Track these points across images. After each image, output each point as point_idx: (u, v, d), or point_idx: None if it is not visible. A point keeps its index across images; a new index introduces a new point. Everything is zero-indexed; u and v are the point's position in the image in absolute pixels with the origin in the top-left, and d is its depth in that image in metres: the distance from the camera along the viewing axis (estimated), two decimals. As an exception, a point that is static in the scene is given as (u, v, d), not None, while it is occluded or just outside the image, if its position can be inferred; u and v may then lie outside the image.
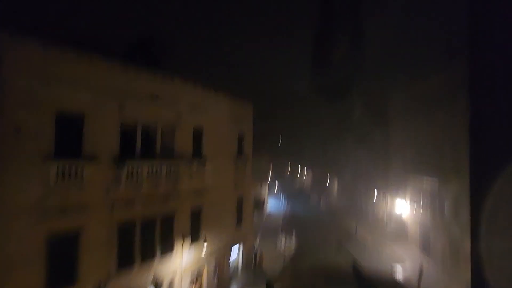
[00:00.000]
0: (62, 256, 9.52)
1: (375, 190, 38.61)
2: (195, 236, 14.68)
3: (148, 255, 12.21)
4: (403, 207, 30.58)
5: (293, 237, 29.41)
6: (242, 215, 19.42)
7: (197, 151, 15.20)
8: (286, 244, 28.74)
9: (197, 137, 15.26)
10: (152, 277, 12.18)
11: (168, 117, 13.36)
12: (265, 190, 48.31)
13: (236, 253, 19.15)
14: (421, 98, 27.74)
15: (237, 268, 19.58)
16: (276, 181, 77.52)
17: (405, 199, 30.35)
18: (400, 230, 31.66)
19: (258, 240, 27.56)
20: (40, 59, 9.02)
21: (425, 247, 26.43)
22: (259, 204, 46.40)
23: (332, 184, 63.14)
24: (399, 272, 23.21)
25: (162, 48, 16.19)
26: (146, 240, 12.14)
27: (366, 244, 29.94)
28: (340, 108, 51.45)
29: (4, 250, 8.21)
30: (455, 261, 21.65)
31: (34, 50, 8.87)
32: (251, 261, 20.96)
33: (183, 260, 13.68)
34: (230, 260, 18.33)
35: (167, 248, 13.15)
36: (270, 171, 67.50)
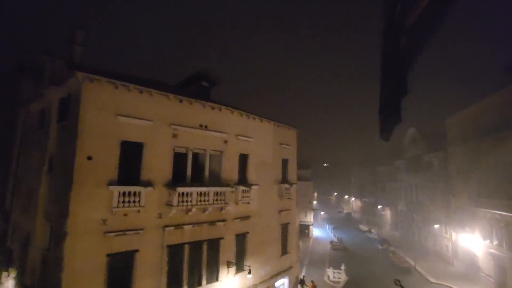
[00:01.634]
0: (119, 275, 10.11)
1: (435, 221, 34.63)
2: (240, 266, 14.52)
3: (194, 282, 12.35)
4: (472, 242, 26.80)
5: (343, 270, 27.35)
6: (287, 244, 18.80)
7: (242, 177, 15.48)
8: (335, 277, 26.78)
9: (243, 163, 15.62)
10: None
11: (216, 144, 14.01)
12: (310, 218, 46.51)
13: (281, 285, 18.32)
14: (483, 119, 25.13)
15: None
16: (322, 209, 74.38)
17: (473, 233, 26.66)
18: (469, 269, 27.54)
19: (304, 270, 26.13)
20: (109, 95, 10.34)
21: (504, 291, 22.48)
22: (305, 233, 44.57)
23: (384, 214, 58.40)
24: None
25: (213, 80, 17.38)
26: (193, 265, 12.35)
27: (429, 282, 26.46)
28: (393, 134, 48.62)
29: (71, 264, 9.03)
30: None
31: (105, 86, 10.22)
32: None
33: (228, 288, 13.52)
34: (275, 292, 17.56)
35: (213, 276, 13.18)
36: (315, 199, 65.22)
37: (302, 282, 23.52)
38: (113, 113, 10.35)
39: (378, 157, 65.58)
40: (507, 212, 21.51)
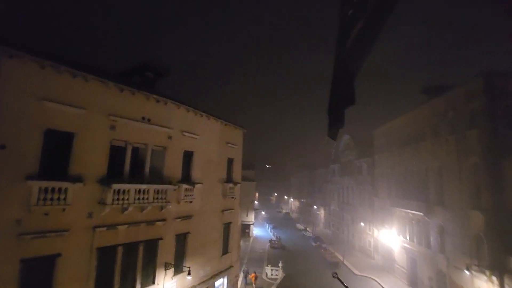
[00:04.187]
0: (36, 283, 8.75)
1: (361, 219, 38.53)
2: (179, 267, 13.94)
3: (127, 287, 11.41)
4: (389, 238, 30.50)
5: (280, 267, 28.48)
6: (228, 243, 18.75)
7: (186, 175, 14.93)
8: (273, 274, 27.80)
9: (187, 161, 15.07)
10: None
11: (159, 139, 13.23)
12: (251, 218, 47.31)
13: (220, 284, 18.17)
14: (403, 131, 28.89)
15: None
16: (263, 209, 76.33)
17: (391, 230, 30.37)
18: (387, 262, 31.29)
19: (243, 268, 26.43)
20: (34, 75, 8.92)
21: (412, 279, 26.09)
22: (245, 233, 45.14)
23: (319, 213, 62.69)
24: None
25: (158, 72, 16.38)
26: (127, 269, 11.40)
27: (354, 274, 29.25)
28: (327, 141, 52.44)
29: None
30: (443, 295, 21.40)
31: (28, 65, 8.78)
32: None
33: (165, 292, 12.84)
34: (214, 292, 17.33)
35: (149, 280, 12.37)
36: (256, 199, 66.57)
37: (246, 273, 25.39)
38: (37, 97, 8.95)
39: (317, 161, 70.21)
40: (417, 211, 25.05)
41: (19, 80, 8.61)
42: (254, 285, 24.39)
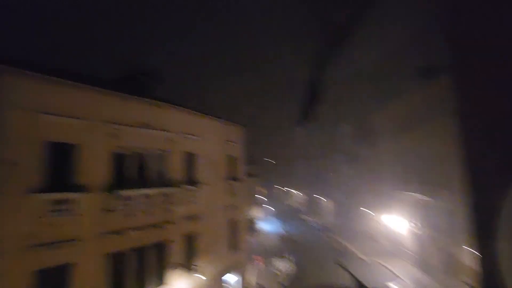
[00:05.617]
0: (51, 294, 9.02)
1: (367, 208, 38.79)
2: (189, 267, 14.19)
3: (140, 289, 11.69)
4: (397, 224, 30.73)
5: (290, 259, 28.85)
6: (236, 240, 19.01)
7: (189, 177, 15.11)
8: (283, 267, 28.16)
9: (190, 162, 15.23)
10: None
11: (161, 143, 13.38)
12: (258, 213, 47.65)
13: (231, 280, 18.50)
14: (403, 115, 28.80)
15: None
16: (269, 204, 76.79)
17: (398, 216, 30.58)
18: (394, 247, 31.58)
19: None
20: (31, 90, 9.05)
21: (420, 263, 26.35)
22: (253, 228, 45.54)
23: (325, 204, 63.04)
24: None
25: (154, 77, 16.48)
26: (138, 272, 11.65)
27: (362, 262, 29.60)
28: (328, 130, 52.70)
29: (-12, 291, 7.75)
30: (451, 275, 21.63)
31: (24, 80, 8.90)
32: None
33: (177, 292, 13.12)
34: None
35: (160, 281, 12.63)
36: (262, 194, 67.00)
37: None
38: (36, 111, 9.09)
39: (319, 152, 70.27)
40: (423, 195, 25.17)
41: (17, 95, 8.74)
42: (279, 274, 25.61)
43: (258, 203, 49.97)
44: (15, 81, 8.70)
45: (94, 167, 10.50)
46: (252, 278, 24.10)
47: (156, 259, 12.43)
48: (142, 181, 12.37)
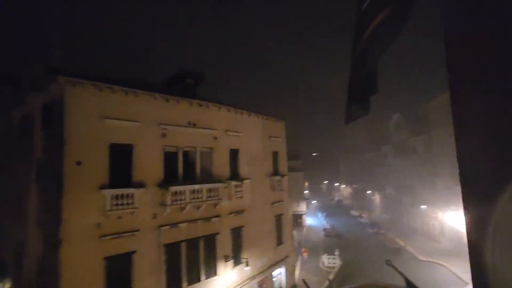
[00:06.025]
0: (118, 277, 10.16)
1: (422, 202, 35.93)
2: (237, 259, 14.77)
3: (193, 279, 12.52)
4: (457, 220, 28.02)
5: (336, 256, 28.15)
6: (281, 234, 19.19)
7: (234, 172, 15.63)
8: (330, 262, 27.59)
9: (234, 158, 15.74)
10: (199, 299, 12.39)
11: (206, 141, 14.06)
12: (302, 208, 47.28)
13: (278, 274, 18.77)
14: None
15: (281, 290, 19.10)
16: (316, 199, 75.52)
17: (459, 211, 27.83)
18: (456, 245, 28.84)
19: (299, 259, 26.76)
20: (94, 98, 10.20)
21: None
22: (298, 223, 45.33)
23: (374, 198, 59.97)
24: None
25: (198, 77, 17.27)
26: (191, 262, 12.51)
27: (418, 260, 27.61)
28: (376, 120, 49.68)
29: (68, 271, 9.01)
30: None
31: (88, 89, 10.06)
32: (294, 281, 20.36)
33: (226, 284, 13.78)
34: (273, 280, 18.00)
35: (211, 271, 13.38)
36: (309, 189, 66.13)
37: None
38: (100, 116, 10.23)
39: (365, 144, 66.89)
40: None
41: (83, 103, 9.93)
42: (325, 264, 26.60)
43: (305, 198, 49.46)
44: (84, 91, 9.90)
45: (148, 164, 11.48)
46: (298, 272, 24.12)
47: (206, 251, 13.18)
48: (190, 177, 13.16)
